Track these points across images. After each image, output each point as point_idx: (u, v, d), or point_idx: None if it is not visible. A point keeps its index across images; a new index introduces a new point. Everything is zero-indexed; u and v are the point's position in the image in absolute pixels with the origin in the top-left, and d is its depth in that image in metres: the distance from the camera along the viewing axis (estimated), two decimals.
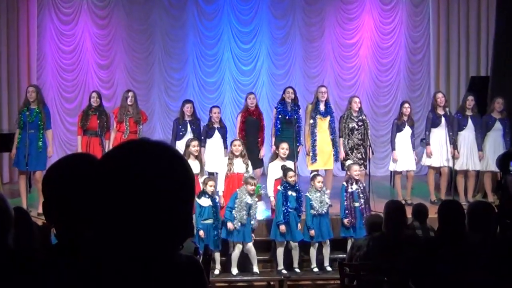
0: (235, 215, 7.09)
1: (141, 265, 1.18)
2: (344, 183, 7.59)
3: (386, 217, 4.65)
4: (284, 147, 7.66)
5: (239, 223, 7.08)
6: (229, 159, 7.69)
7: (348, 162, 7.99)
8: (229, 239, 7.11)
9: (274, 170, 7.66)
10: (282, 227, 7.19)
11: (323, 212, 7.29)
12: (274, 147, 8.55)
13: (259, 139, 8.73)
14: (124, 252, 1.18)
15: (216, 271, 7.27)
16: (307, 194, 7.34)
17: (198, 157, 7.66)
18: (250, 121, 8.70)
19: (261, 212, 8.02)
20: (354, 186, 7.47)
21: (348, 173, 7.69)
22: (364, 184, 7.56)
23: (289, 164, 7.63)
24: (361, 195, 7.44)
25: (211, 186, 7.17)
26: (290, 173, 7.28)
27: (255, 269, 7.27)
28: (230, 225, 7.06)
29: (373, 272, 4.50)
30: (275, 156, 7.79)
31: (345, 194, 7.44)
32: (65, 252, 1.45)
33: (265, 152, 8.95)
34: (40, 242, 2.88)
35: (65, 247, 1.49)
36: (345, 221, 7.39)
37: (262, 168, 9.04)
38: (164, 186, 1.18)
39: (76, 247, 1.38)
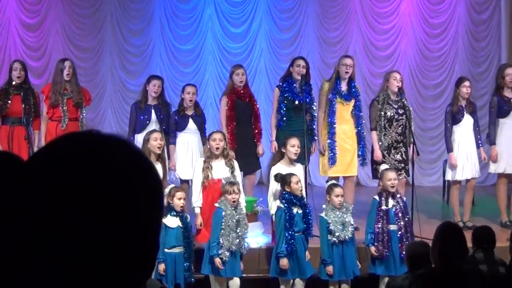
0: (223, 242, 7.13)
1: None
2: (376, 197, 7.61)
3: (437, 245, 4.73)
4: (295, 144, 7.68)
5: (229, 252, 7.13)
6: (205, 160, 7.73)
7: (383, 167, 7.98)
8: (214, 275, 7.21)
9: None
10: (283, 262, 7.23)
11: (346, 238, 7.30)
12: (275, 143, 8.63)
13: (255, 131, 8.80)
14: None
15: None
16: (322, 214, 7.37)
17: (162, 157, 7.72)
18: (240, 106, 8.77)
19: (257, 237, 8.14)
20: (391, 202, 7.50)
21: (381, 183, 7.72)
22: (405, 199, 7.58)
23: (298, 169, 7.69)
24: (401, 215, 7.47)
25: (180, 199, 7.18)
26: (294, 178, 7.28)
27: None
28: (218, 261, 7.11)
29: None
30: (278, 156, 7.79)
31: (377, 212, 7.49)
32: None
33: (264, 149, 9.02)
34: None
35: None
36: (372, 249, 7.43)
37: (259, 173, 9.15)
38: (120, 200, 1.18)
39: None
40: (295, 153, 7.66)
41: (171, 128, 8.68)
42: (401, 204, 7.53)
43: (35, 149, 8.07)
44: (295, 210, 7.30)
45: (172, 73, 11.93)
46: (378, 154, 8.63)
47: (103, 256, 1.17)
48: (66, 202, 1.15)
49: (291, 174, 7.33)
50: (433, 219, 8.36)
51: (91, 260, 1.16)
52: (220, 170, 7.71)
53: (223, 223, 7.15)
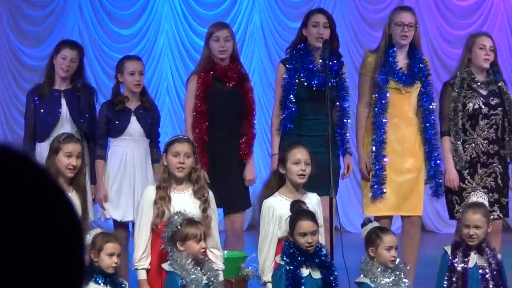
0: None
1: None
2: (448, 249, 7.13)
3: None
4: (301, 159, 6.98)
5: None
6: (159, 186, 7.02)
7: (471, 198, 7.44)
8: None
9: (274, 218, 7.06)
10: None
11: None
12: (276, 156, 8.52)
13: (244, 139, 8.15)
14: None
15: None
16: (361, 278, 7.00)
17: (78, 182, 7.05)
18: (219, 94, 8.12)
19: None
20: (473, 259, 6.89)
21: (461, 227, 7.70)
22: (499, 257, 7.06)
23: (310, 199, 7.07)
24: (490, 280, 6.86)
25: (111, 255, 6.53)
26: (306, 224, 6.60)
27: None
28: None
29: None
30: (275, 181, 7.25)
31: (448, 274, 7.00)
32: None
33: (255, 172, 8.86)
34: None
35: None
36: None
37: (250, 211, 9.38)
38: (12, 248, 1.23)
39: None
40: (301, 175, 6.80)
41: (98, 131, 8.08)
42: (492, 264, 6.84)
43: None
44: (304, 272, 6.64)
45: (101, 37, 11.41)
46: (452, 177, 7.78)
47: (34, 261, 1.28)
48: None
49: (302, 214, 6.57)
50: None
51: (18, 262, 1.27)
52: (183, 204, 6.84)
53: None
